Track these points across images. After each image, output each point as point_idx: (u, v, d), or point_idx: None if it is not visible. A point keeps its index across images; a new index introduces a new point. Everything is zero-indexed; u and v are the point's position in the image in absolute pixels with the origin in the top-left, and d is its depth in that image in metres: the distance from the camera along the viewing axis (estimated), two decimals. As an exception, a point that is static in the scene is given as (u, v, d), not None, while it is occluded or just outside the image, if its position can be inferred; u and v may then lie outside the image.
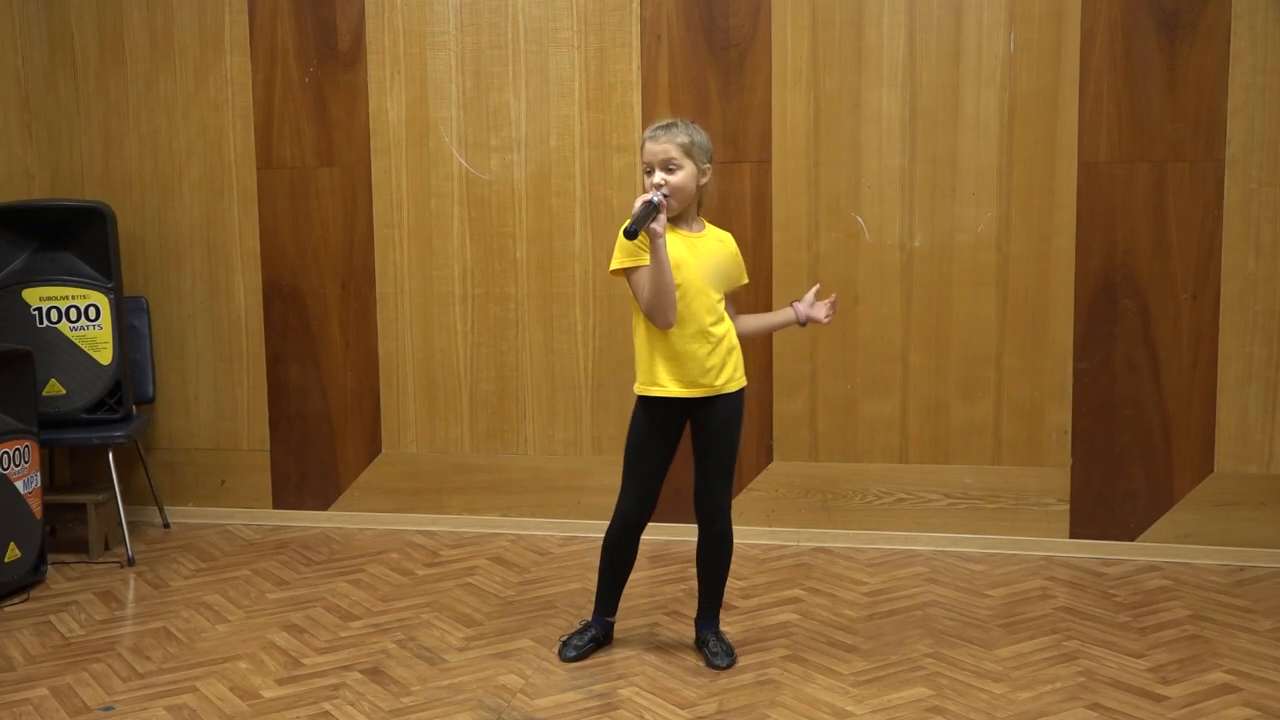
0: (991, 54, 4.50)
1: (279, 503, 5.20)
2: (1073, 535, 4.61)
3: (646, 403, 3.57)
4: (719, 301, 3.57)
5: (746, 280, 3.76)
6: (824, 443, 4.76)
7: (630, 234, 3.34)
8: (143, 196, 5.16)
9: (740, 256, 3.71)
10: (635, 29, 4.70)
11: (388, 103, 4.93)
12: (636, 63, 4.72)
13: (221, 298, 5.16)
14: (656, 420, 3.57)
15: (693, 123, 3.56)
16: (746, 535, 4.79)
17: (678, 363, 3.50)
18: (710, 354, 3.51)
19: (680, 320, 3.47)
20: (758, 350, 4.73)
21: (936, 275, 4.62)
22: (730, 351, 3.57)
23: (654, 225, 3.38)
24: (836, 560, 4.60)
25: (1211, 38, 4.35)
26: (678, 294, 3.46)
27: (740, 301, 4.58)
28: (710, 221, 3.68)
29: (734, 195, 4.68)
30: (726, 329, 3.58)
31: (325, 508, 5.17)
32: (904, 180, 4.59)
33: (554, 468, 4.96)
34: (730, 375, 3.57)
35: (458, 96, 4.88)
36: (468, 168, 4.90)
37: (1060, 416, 4.58)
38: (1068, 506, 4.61)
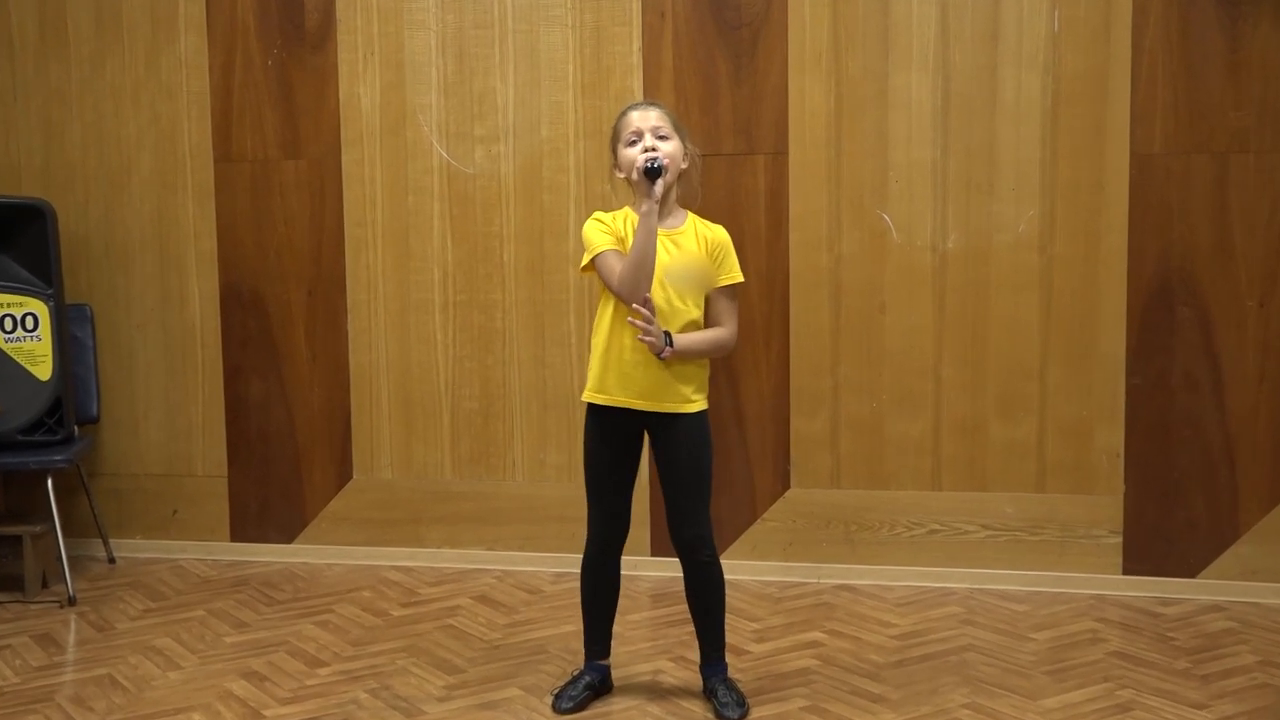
0: (1033, 33, 4.43)
1: (237, 535, 5.12)
2: (1126, 571, 4.53)
3: (594, 410, 3.59)
4: (686, 313, 3.51)
5: (734, 279, 3.56)
6: (847, 467, 4.67)
7: (654, 172, 3.32)
8: (87, 193, 5.10)
9: (725, 251, 3.56)
10: (636, 6, 4.64)
11: (360, 88, 4.87)
12: (637, 44, 4.65)
13: (174, 305, 5.08)
14: (604, 430, 3.59)
15: None
16: (761, 571, 4.74)
17: (624, 371, 3.50)
18: (661, 367, 3.48)
19: (631, 328, 3.48)
20: (771, 364, 4.68)
21: (972, 280, 4.54)
22: (692, 370, 3.53)
23: (654, 187, 3.37)
24: (861, 599, 4.52)
25: (1279, 15, 4.25)
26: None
27: (752, 305, 4.64)
28: (714, 219, 3.63)
29: (747, 191, 4.61)
30: None
31: (290, 540, 5.08)
32: (935, 174, 4.52)
33: (545, 496, 4.87)
34: (684, 395, 3.52)
35: (438, 81, 4.81)
36: (449, 160, 4.82)
37: (1111, 438, 4.50)
38: (1120, 539, 4.52)
